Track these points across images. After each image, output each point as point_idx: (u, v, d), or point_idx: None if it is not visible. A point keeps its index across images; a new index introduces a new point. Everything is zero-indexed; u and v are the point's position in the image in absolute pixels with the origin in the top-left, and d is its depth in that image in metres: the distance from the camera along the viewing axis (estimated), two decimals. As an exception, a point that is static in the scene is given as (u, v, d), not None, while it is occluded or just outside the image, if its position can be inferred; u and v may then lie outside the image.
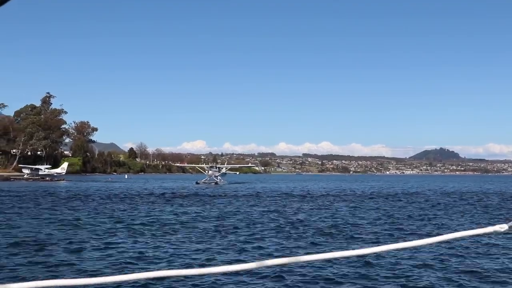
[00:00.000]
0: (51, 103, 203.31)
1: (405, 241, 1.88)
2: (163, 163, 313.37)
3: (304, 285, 14.44)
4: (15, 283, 1.81)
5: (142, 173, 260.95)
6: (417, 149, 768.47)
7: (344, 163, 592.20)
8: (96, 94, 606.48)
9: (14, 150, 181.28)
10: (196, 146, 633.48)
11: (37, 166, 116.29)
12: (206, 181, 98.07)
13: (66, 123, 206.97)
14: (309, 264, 15.86)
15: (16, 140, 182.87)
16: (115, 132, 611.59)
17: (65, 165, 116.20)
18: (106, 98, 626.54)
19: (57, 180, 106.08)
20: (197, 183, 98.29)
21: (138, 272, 1.90)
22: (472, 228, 1.97)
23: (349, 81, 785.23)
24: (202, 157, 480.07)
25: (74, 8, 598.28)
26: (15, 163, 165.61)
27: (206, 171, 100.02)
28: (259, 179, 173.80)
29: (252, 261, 1.92)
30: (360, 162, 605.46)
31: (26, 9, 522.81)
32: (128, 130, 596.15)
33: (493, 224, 1.89)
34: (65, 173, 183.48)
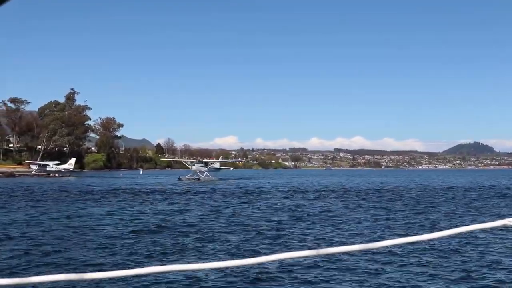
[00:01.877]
0: (75, 100, 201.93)
1: (416, 235, 1.82)
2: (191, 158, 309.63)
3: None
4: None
5: (169, 168, 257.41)
6: (451, 143, 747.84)
7: (376, 158, 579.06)
8: (130, 90, 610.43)
9: (39, 147, 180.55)
10: (228, 141, 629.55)
11: (45, 162, 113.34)
12: (190, 177, 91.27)
13: (90, 119, 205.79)
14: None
15: (39, 137, 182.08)
16: (148, 128, 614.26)
17: (72, 161, 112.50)
18: (139, 94, 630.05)
19: (61, 176, 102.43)
20: (179, 179, 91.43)
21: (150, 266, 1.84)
22: (482, 222, 1.90)
23: (382, 76, 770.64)
24: (233, 152, 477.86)
25: (98, 2, 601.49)
26: (38, 159, 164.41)
27: (190, 166, 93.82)
28: (269, 175, 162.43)
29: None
30: (392, 157, 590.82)
31: (50, 4, 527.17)
32: (160, 127, 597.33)
33: (503, 218, 1.83)
34: (89, 169, 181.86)
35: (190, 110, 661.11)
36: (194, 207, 38.49)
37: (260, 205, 40.44)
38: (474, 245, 19.76)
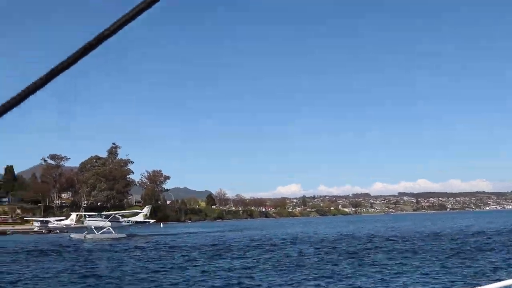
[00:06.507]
0: (117, 154, 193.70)
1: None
2: (245, 208, 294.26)
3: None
4: None
5: (220, 219, 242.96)
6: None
7: (441, 200, 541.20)
8: (191, 142, 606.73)
9: (84, 202, 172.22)
10: (291, 189, 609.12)
11: (47, 219, 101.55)
12: (85, 235, 70.20)
13: (133, 172, 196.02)
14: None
15: (79, 192, 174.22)
16: (212, 180, 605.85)
17: (73, 216, 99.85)
18: (202, 146, 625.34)
19: (57, 233, 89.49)
20: (70, 237, 70.43)
21: None
22: None
23: (446, 115, 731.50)
24: (294, 200, 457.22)
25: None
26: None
27: (83, 221, 73.87)
28: (247, 226, 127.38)
29: None
30: (458, 199, 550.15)
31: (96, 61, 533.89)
32: (224, 178, 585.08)
33: None
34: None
35: (252, 159, 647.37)
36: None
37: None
38: None
